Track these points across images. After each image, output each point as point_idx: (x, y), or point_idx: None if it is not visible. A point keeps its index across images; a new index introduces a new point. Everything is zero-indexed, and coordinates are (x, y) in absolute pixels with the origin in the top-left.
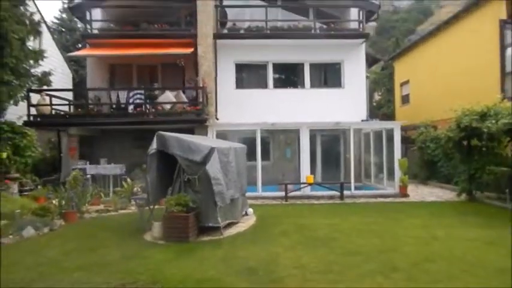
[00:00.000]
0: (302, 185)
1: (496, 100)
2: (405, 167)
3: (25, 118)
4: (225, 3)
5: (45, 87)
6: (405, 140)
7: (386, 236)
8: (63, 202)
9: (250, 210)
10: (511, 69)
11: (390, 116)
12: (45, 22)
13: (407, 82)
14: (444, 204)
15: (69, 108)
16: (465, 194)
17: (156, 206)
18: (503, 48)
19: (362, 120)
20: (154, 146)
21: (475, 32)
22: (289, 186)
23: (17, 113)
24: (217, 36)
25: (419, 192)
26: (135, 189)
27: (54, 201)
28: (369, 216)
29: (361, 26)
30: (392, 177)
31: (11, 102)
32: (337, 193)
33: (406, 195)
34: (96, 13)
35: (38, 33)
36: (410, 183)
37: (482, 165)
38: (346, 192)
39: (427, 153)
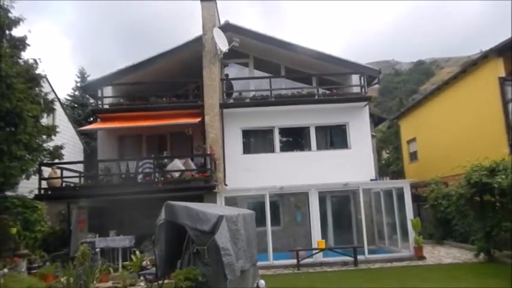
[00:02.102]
0: (314, 251)
1: (503, 155)
2: (419, 227)
3: (36, 192)
4: (231, 76)
5: (56, 160)
6: (417, 198)
7: None
8: (71, 280)
9: (262, 282)
10: None
11: (400, 173)
12: (58, 99)
13: (414, 139)
14: (462, 266)
15: (80, 180)
16: (483, 254)
17: (166, 281)
18: (505, 104)
19: (371, 180)
20: (162, 216)
21: (475, 90)
22: (301, 253)
23: (27, 186)
24: (224, 105)
25: (435, 254)
26: (144, 262)
27: (62, 279)
28: (384, 284)
29: (363, 90)
30: (407, 238)
31: (23, 176)
32: (350, 258)
33: (422, 257)
34: (107, 90)
35: (51, 111)
36: (426, 244)
37: (497, 222)
38: (359, 257)
39: (440, 210)
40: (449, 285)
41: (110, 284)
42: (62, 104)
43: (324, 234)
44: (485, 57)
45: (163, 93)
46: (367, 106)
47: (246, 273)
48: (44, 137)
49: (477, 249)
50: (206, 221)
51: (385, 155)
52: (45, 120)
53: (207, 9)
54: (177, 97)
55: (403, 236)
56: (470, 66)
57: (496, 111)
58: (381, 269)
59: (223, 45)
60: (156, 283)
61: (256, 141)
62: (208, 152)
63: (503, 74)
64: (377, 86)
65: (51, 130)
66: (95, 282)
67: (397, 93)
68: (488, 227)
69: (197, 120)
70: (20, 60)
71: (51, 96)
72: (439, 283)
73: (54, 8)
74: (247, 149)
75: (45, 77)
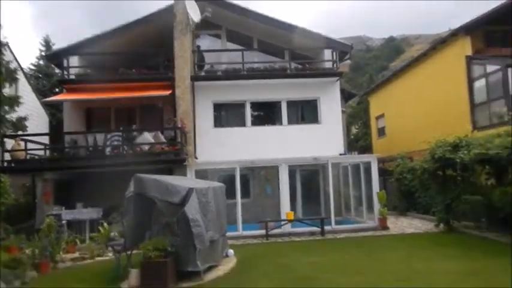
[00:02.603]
0: (282, 222)
1: (467, 131)
2: (384, 200)
3: None
4: (202, 47)
5: (20, 132)
6: (383, 172)
7: (367, 273)
8: (37, 252)
9: (231, 251)
10: (479, 102)
11: (368, 149)
12: (21, 69)
13: (382, 116)
14: (423, 236)
15: (45, 153)
16: (443, 225)
17: (134, 251)
18: (470, 82)
19: (340, 154)
20: (131, 188)
21: (443, 67)
22: (270, 224)
23: None
24: (195, 78)
25: (398, 225)
26: (112, 234)
27: (27, 251)
28: (349, 252)
29: (334, 65)
30: (372, 210)
31: None
32: (318, 229)
33: (386, 227)
34: (73, 60)
35: (13, 80)
36: (390, 215)
37: (457, 194)
38: (326, 228)
39: (405, 184)
40: (411, 253)
41: (77, 254)
42: (25, 74)
43: (293, 207)
44: (453, 35)
45: (133, 64)
46: (338, 82)
47: (215, 243)
48: (7, 108)
49: (437, 220)
50: (176, 193)
51: (354, 130)
52: (7, 91)
53: None
54: (147, 69)
55: (369, 207)
56: (439, 44)
57: (462, 89)
58: (346, 238)
59: (195, 15)
60: (124, 254)
61: (227, 114)
62: (179, 125)
63: (470, 53)
64: (348, 61)
65: (13, 101)
66: (61, 253)
67: (368, 69)
68: (449, 200)
69: (168, 92)
70: None
71: (13, 65)
72: (402, 251)
73: None
74: (218, 123)
75: (6, 44)
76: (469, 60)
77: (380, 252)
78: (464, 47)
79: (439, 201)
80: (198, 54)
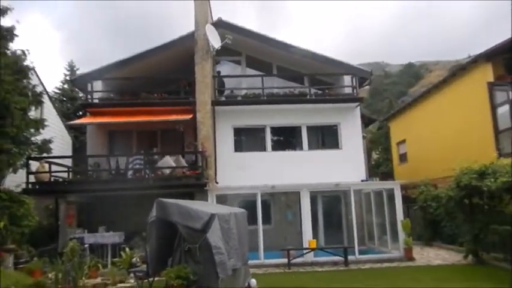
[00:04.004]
0: (305, 251)
1: (491, 158)
2: (409, 229)
3: (23, 186)
4: (223, 73)
5: (44, 154)
6: (406, 199)
7: None
8: (60, 276)
9: (254, 281)
10: (503, 128)
11: (389, 175)
12: (47, 92)
13: (403, 141)
14: (451, 268)
15: (68, 175)
16: (471, 256)
17: (156, 278)
18: (493, 108)
19: (362, 181)
20: (154, 213)
21: (464, 94)
22: (292, 252)
23: (14, 180)
24: (216, 103)
25: (424, 255)
26: (133, 259)
27: (50, 275)
28: (373, 284)
29: (354, 91)
30: (397, 239)
31: (10, 170)
32: (341, 258)
33: (412, 258)
34: (97, 84)
35: (39, 104)
36: (415, 245)
37: (485, 224)
38: (350, 257)
39: (429, 212)
40: (439, 285)
41: (99, 280)
42: (50, 97)
43: (315, 234)
44: (474, 61)
45: (155, 89)
46: (359, 107)
47: (237, 272)
48: (32, 130)
49: (466, 252)
50: (198, 219)
51: (374, 155)
52: (33, 113)
53: (200, 5)
54: (168, 93)
55: (393, 236)
56: (460, 70)
57: (485, 116)
58: (371, 269)
59: (215, 41)
60: (146, 280)
61: (247, 139)
62: (200, 149)
63: (492, 79)
64: (367, 87)
65: (39, 123)
66: (83, 278)
67: (387, 94)
68: (477, 230)
69: (189, 117)
70: (8, 51)
71: (39, 89)
72: (430, 284)
73: (44, 1)
74: (238, 147)
75: (33, 69)
76: (491, 87)
77: (407, 284)
78: (486, 73)
79: (467, 231)
80: (219, 80)
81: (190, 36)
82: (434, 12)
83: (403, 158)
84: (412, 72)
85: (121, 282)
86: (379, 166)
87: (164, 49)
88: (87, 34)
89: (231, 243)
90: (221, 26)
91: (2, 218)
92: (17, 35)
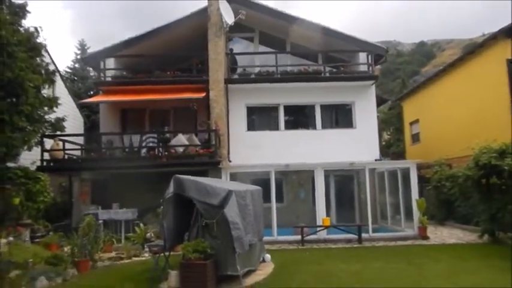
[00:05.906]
0: (318, 228)
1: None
2: (423, 208)
3: (38, 163)
4: (235, 51)
5: (58, 132)
6: (420, 179)
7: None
8: (76, 250)
9: (268, 256)
10: None
11: (400, 155)
12: (58, 71)
13: (417, 121)
14: (467, 247)
15: (81, 153)
16: (487, 235)
17: (172, 252)
18: None
19: (375, 160)
20: (171, 189)
21: (482, 72)
22: (305, 230)
23: (29, 157)
24: (229, 81)
25: (438, 234)
26: (148, 234)
27: (65, 249)
28: (391, 261)
29: (370, 68)
30: (410, 218)
31: (25, 147)
32: (354, 236)
33: (426, 237)
34: (109, 62)
35: (52, 82)
36: (428, 225)
37: (504, 204)
38: (364, 235)
39: (443, 192)
40: (456, 266)
41: (113, 254)
42: (62, 76)
43: (328, 212)
44: (493, 38)
45: (167, 66)
46: (374, 86)
47: (253, 247)
48: (46, 108)
49: (481, 231)
50: (215, 195)
51: (386, 136)
52: (46, 92)
53: None
54: (181, 71)
55: (407, 215)
56: (477, 47)
57: (503, 94)
58: (386, 247)
59: (229, 17)
60: (161, 254)
61: (260, 118)
62: (213, 128)
63: (510, 56)
64: (379, 66)
65: (52, 101)
66: (99, 252)
67: (399, 74)
68: (494, 209)
69: (202, 95)
70: (21, 29)
71: (51, 67)
72: (446, 263)
73: None
74: (251, 126)
75: (45, 47)
76: (511, 64)
77: (423, 263)
78: (505, 50)
79: (483, 211)
80: (231, 57)
81: (203, 12)
82: None
83: (415, 138)
84: (425, 51)
85: (135, 256)
86: (390, 146)
87: (177, 25)
88: (98, 14)
89: (247, 219)
90: (234, 1)
91: (18, 194)
92: (29, 12)
